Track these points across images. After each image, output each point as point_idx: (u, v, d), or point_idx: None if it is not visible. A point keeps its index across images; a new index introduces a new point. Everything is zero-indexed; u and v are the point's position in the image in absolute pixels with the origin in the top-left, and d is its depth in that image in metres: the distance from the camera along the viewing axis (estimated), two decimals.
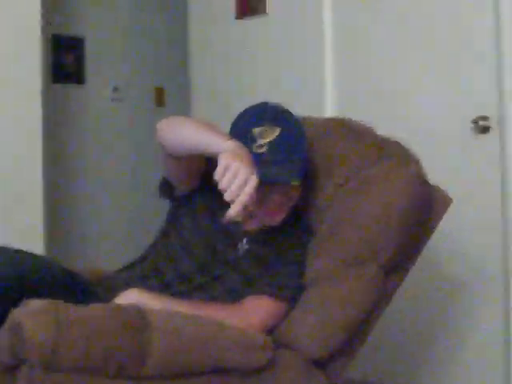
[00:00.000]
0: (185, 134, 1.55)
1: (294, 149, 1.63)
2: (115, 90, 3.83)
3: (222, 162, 1.33)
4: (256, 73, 3.29)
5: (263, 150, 1.59)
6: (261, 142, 1.59)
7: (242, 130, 1.64)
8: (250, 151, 1.47)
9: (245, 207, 1.32)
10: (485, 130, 2.57)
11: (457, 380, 2.57)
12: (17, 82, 2.57)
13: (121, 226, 3.33)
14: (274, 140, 1.61)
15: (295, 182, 1.63)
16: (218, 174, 1.33)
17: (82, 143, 3.66)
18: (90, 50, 3.71)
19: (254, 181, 1.32)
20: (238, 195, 1.30)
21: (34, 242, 2.41)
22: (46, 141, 2.71)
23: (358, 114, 2.09)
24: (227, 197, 1.31)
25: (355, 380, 2.89)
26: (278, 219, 1.68)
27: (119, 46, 3.84)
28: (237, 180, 1.31)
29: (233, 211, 1.31)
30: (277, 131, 1.63)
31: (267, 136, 1.61)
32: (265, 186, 1.45)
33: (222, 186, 1.31)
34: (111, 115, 3.79)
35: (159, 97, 3.90)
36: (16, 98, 2.58)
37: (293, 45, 3.17)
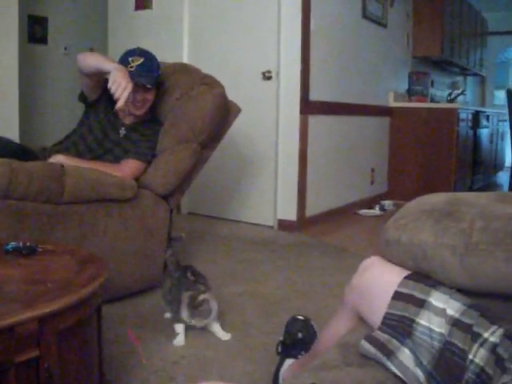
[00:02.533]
0: (90, 61, 2.56)
1: (151, 69, 2.68)
2: (65, 48, 5.68)
3: (111, 77, 2.39)
4: None
5: (133, 69, 2.62)
6: (132, 64, 2.63)
7: (123, 59, 2.68)
8: (127, 70, 2.53)
9: (125, 103, 2.39)
10: (268, 78, 4.07)
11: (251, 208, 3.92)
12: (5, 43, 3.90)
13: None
14: (140, 63, 2.65)
15: (149, 86, 2.68)
16: (110, 84, 2.38)
17: (44, 82, 5.37)
18: (50, 23, 5.45)
19: (130, 85, 2.40)
20: (122, 94, 2.37)
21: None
22: (22, 78, 4.11)
23: (198, 65, 3.20)
24: (117, 96, 2.36)
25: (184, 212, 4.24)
26: (142, 111, 2.72)
27: (69, 22, 5.62)
28: (120, 87, 2.38)
29: (119, 104, 2.38)
30: (142, 59, 2.67)
31: (136, 61, 2.65)
32: (134, 89, 2.51)
33: (113, 91, 2.37)
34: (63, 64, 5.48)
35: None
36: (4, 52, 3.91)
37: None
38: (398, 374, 1.01)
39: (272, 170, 4.26)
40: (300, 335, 1.83)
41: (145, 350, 2.05)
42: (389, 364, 1.02)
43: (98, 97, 2.77)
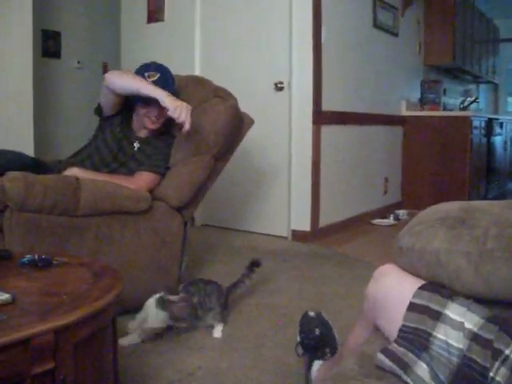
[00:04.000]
0: (126, 82, 2.56)
1: (167, 84, 2.67)
2: (79, 62, 5.65)
3: (168, 104, 2.40)
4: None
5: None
6: (149, 80, 2.64)
7: (139, 74, 2.67)
8: None
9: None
10: (280, 89, 4.05)
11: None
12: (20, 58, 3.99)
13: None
14: (157, 79, 2.66)
15: None
16: (172, 113, 2.40)
17: (58, 95, 5.42)
18: (64, 38, 5.52)
19: (189, 107, 2.42)
20: (187, 118, 2.39)
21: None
22: (36, 92, 4.23)
23: (210, 77, 3.22)
24: (182, 120, 2.40)
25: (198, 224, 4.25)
26: (157, 126, 2.73)
27: (82, 36, 5.71)
28: (183, 112, 2.39)
29: (187, 126, 2.42)
30: (158, 75, 2.69)
31: (152, 77, 2.66)
32: (150, 104, 2.53)
33: (177, 117, 2.39)
34: (77, 78, 5.58)
35: (105, 68, 5.65)
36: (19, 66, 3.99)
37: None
38: None
39: (285, 180, 4.26)
40: (317, 331, 1.81)
41: (159, 361, 2.05)
42: (405, 377, 1.01)
43: (116, 112, 2.79)
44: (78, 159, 2.76)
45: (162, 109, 2.63)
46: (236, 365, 2.08)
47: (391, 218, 5.11)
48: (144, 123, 2.71)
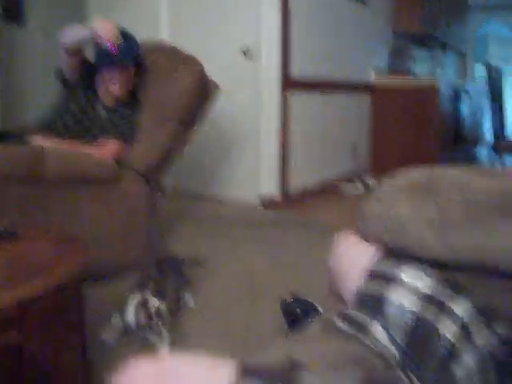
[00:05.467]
0: (74, 31, 2.56)
1: (130, 48, 2.65)
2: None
3: (95, 26, 2.46)
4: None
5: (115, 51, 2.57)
6: (112, 45, 2.57)
7: None
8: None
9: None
10: (248, 57, 4.11)
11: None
12: None
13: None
14: (121, 45, 2.59)
15: (129, 65, 2.67)
16: (95, 31, 2.47)
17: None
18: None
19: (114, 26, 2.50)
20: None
21: None
22: None
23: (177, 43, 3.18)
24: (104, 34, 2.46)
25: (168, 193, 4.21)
26: (121, 92, 2.69)
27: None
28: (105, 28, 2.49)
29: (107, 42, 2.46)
30: (121, 40, 2.61)
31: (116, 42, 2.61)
32: (114, 69, 2.49)
33: (100, 33, 2.48)
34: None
35: None
36: None
37: None
38: (376, 349, 1.02)
39: (254, 148, 4.24)
40: (299, 311, 1.92)
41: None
42: (364, 339, 1.03)
43: (78, 78, 2.73)
44: (41, 125, 2.71)
45: (125, 73, 2.59)
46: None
47: (359, 185, 5.14)
48: (109, 89, 2.66)
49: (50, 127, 2.67)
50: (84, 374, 1.52)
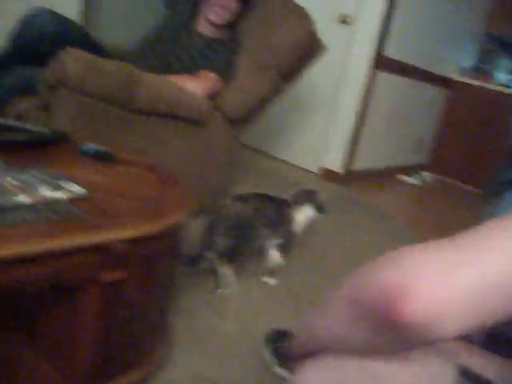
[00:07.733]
0: None
1: None
2: None
3: None
4: None
5: None
6: None
7: None
8: None
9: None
10: (344, 21, 3.79)
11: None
12: None
13: None
14: None
15: None
16: None
17: None
18: None
19: None
20: None
21: None
22: None
23: None
24: None
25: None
26: (221, 20, 2.52)
27: None
28: None
29: None
30: None
31: None
32: None
33: None
34: None
35: None
36: None
37: None
38: None
39: (329, 117, 4.08)
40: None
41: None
42: None
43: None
44: (138, 56, 2.56)
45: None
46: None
47: (416, 177, 4.99)
48: (207, 14, 2.52)
49: (146, 51, 2.55)
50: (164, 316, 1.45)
